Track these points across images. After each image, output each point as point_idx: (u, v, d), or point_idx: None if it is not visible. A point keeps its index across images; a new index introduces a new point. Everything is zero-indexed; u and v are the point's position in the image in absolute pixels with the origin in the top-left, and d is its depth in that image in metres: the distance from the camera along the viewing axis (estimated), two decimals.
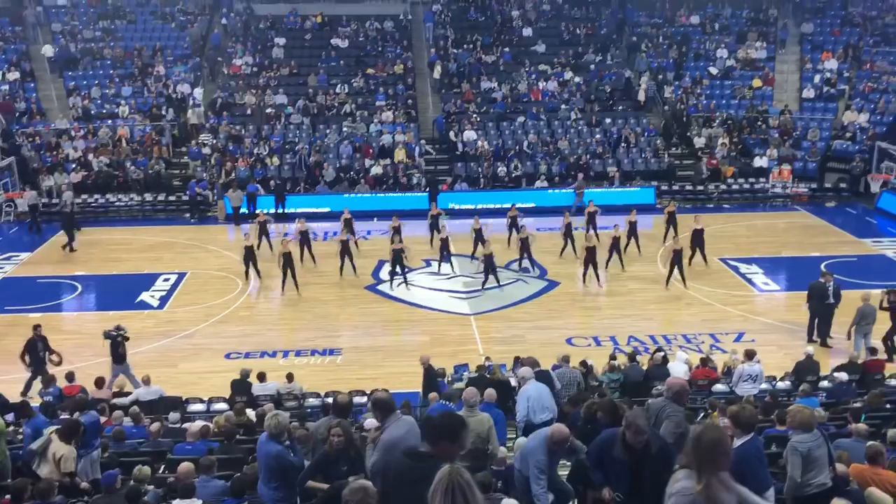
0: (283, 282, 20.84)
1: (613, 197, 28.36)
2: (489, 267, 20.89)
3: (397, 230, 22.48)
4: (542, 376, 11.80)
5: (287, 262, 20.64)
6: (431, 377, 13.99)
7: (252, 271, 21.59)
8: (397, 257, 21.00)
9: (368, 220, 26.67)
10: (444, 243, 22.24)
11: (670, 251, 20.91)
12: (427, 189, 28.77)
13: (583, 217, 24.02)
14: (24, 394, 14.99)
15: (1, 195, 28.50)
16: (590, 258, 20.96)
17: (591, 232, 22.80)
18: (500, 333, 18.54)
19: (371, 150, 30.63)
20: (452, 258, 22.62)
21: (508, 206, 25.35)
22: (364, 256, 23.23)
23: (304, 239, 22.70)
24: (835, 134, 32.20)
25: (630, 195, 28.65)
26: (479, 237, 22.50)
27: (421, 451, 4.92)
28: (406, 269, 21.44)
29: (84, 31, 35.95)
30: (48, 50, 34.48)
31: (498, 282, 21.00)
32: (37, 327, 15.88)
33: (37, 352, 15.56)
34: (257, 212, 26.06)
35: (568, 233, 23.09)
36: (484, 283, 21.04)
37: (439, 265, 22.54)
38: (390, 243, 21.44)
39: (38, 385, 14.66)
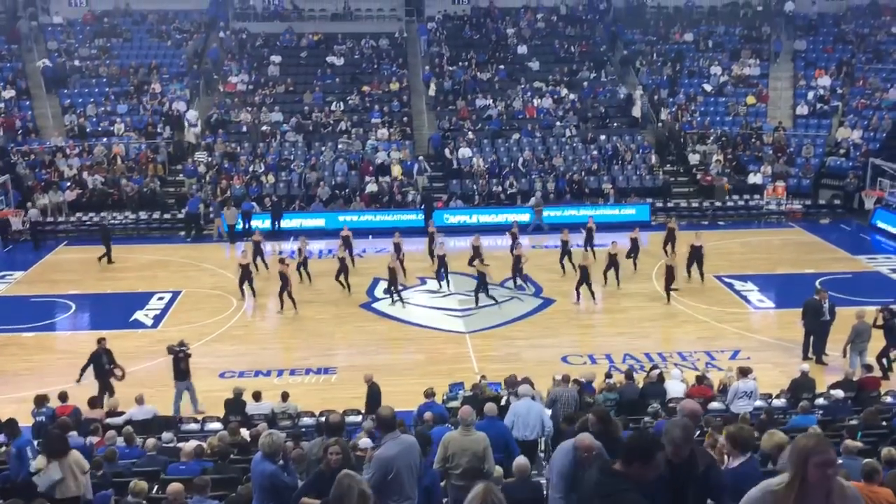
0: (282, 301, 20.79)
1: (609, 214, 28.47)
2: (480, 283, 20.88)
3: (397, 247, 22.54)
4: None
5: (284, 280, 20.59)
6: (374, 395, 13.92)
7: (247, 290, 21.55)
8: (392, 275, 21.02)
9: (364, 237, 26.64)
10: (442, 260, 22.24)
11: (664, 267, 20.96)
12: (423, 206, 28.78)
13: (540, 234, 24.12)
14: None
15: None
16: (584, 276, 20.99)
17: (588, 250, 22.89)
18: (496, 351, 18.49)
19: (371, 168, 30.64)
20: (449, 276, 22.59)
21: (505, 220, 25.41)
22: (359, 274, 23.21)
23: (303, 258, 22.71)
24: (828, 150, 32.35)
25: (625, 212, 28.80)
26: (476, 254, 22.47)
27: (614, 469, 4.92)
28: (402, 287, 21.42)
29: (80, 50, 36.03)
30: (42, 63, 34.72)
31: (490, 299, 20.97)
32: (101, 340, 15.89)
33: (101, 365, 15.58)
34: (254, 230, 26.05)
35: (565, 250, 23.10)
36: (476, 300, 21.03)
37: (439, 283, 22.50)
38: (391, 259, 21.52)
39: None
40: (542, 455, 12.07)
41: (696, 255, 22.32)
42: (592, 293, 21.22)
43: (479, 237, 23.33)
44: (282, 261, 20.96)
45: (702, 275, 22.44)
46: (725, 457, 8.83)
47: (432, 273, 23.02)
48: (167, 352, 15.62)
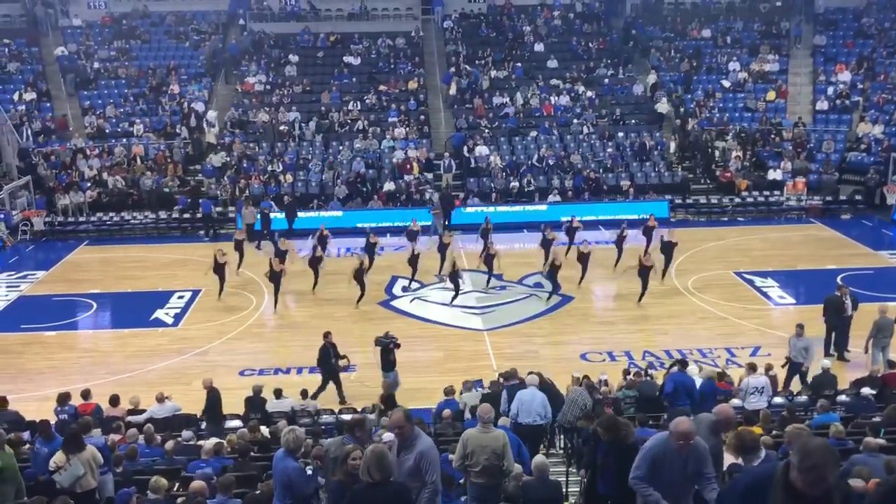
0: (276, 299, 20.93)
1: (628, 210, 28.32)
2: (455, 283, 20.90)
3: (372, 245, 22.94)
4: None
5: (275, 278, 20.63)
6: (213, 401, 13.76)
7: (225, 286, 21.76)
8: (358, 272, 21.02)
9: (381, 235, 26.63)
10: (415, 258, 22.22)
11: (640, 267, 20.74)
12: (442, 203, 28.70)
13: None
14: (314, 396, 15.37)
15: (18, 214, 28.77)
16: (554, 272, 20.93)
17: (560, 247, 23.05)
18: (514, 349, 18.47)
19: (409, 166, 30.63)
20: (464, 273, 22.58)
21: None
22: (377, 272, 23.03)
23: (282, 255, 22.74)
24: (849, 146, 32.05)
25: (644, 208, 28.56)
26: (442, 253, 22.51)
27: None
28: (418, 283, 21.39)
29: (99, 52, 36.32)
30: (60, 50, 35.54)
31: (452, 300, 21.01)
32: (327, 334, 16.10)
33: (329, 359, 15.84)
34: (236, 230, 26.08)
35: (546, 245, 22.90)
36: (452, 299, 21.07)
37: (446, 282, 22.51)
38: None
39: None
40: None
41: (665, 250, 22.04)
42: (558, 285, 21.10)
43: (452, 234, 23.28)
44: (280, 260, 20.91)
45: (664, 272, 21.93)
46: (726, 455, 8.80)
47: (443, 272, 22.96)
48: (375, 343, 15.73)
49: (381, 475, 6.08)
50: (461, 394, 14.08)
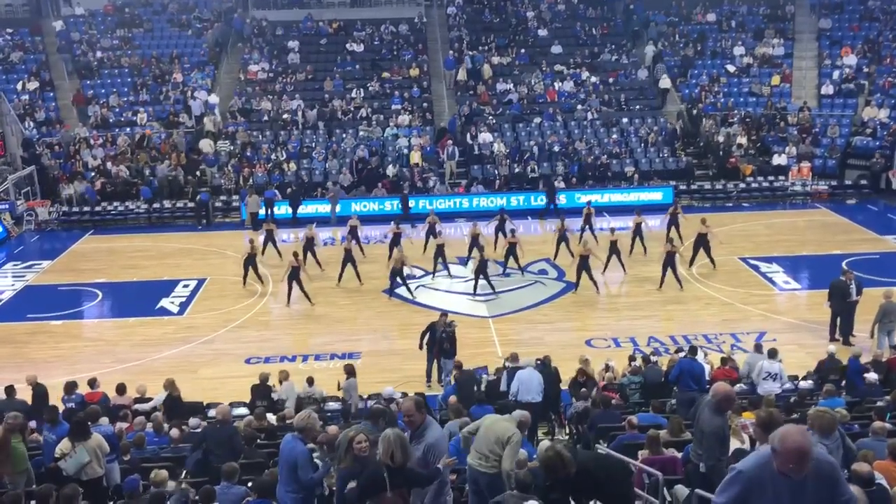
0: (289, 293, 20.57)
1: (633, 198, 28.29)
2: (480, 272, 20.70)
3: (397, 238, 22.66)
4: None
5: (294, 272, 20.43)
6: (40, 396, 13.43)
7: (253, 276, 21.61)
8: (398, 269, 20.77)
9: (386, 224, 26.57)
10: (440, 249, 22.16)
11: (664, 253, 20.64)
12: (545, 188, 28.60)
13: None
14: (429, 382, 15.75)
15: (22, 204, 28.81)
16: (583, 265, 20.53)
17: (586, 236, 22.85)
18: (519, 335, 18.47)
19: (448, 147, 30.60)
20: (469, 262, 22.57)
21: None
22: (382, 261, 22.99)
23: (310, 245, 22.63)
24: (855, 130, 31.90)
25: (647, 194, 28.59)
26: (475, 243, 22.26)
27: None
28: (409, 276, 21.25)
29: (102, 41, 36.26)
30: (59, 25, 35.80)
31: (493, 288, 20.83)
32: (443, 315, 16.29)
33: (435, 334, 15.86)
34: (265, 221, 25.99)
35: (562, 238, 22.82)
36: (475, 287, 20.87)
37: (445, 270, 22.48)
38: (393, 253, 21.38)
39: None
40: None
41: (701, 243, 21.71)
42: (595, 282, 20.77)
43: (478, 224, 23.10)
44: (295, 254, 20.82)
45: (712, 261, 21.98)
46: (747, 438, 8.80)
47: (451, 260, 22.93)
48: (430, 330, 15.89)
49: (403, 458, 6.12)
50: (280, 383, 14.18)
